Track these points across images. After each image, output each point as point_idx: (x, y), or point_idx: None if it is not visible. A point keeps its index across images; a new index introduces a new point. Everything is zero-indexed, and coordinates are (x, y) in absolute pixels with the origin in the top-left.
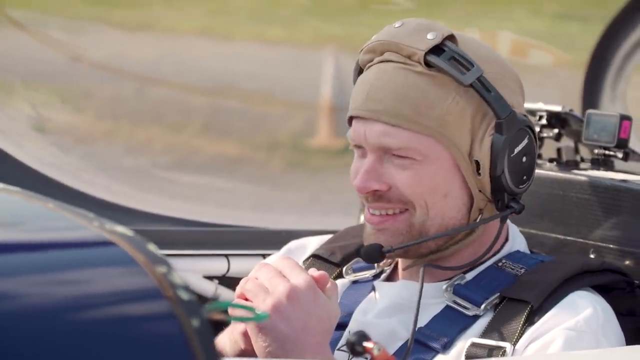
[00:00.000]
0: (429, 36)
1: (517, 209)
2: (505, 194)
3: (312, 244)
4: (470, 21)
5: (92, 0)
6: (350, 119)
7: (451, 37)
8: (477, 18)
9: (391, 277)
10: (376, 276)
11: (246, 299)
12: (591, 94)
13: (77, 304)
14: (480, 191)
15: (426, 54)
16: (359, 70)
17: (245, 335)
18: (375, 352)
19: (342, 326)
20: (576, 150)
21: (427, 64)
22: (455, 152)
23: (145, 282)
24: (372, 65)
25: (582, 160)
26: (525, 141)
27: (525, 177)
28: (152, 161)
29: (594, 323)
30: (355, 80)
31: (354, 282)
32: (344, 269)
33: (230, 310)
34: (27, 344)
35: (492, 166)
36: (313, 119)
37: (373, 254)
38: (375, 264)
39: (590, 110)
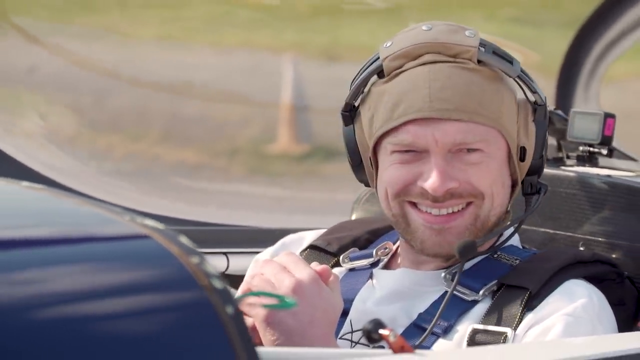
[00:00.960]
0: (468, 34)
1: (546, 188)
2: (536, 176)
3: (308, 236)
4: None
5: (50, 7)
6: (386, 131)
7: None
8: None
9: (389, 266)
10: (373, 265)
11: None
12: (564, 96)
13: (116, 294)
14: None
15: (478, 49)
16: (362, 84)
17: (254, 329)
18: (392, 339)
19: (342, 314)
20: (559, 148)
21: (478, 60)
22: (510, 141)
23: (181, 272)
24: (409, 68)
25: (568, 157)
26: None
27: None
28: (116, 167)
29: (590, 310)
30: (364, 90)
31: (351, 270)
32: (340, 257)
33: (259, 299)
34: (70, 330)
35: (536, 151)
36: (273, 125)
37: (469, 249)
38: (374, 252)
39: (574, 109)
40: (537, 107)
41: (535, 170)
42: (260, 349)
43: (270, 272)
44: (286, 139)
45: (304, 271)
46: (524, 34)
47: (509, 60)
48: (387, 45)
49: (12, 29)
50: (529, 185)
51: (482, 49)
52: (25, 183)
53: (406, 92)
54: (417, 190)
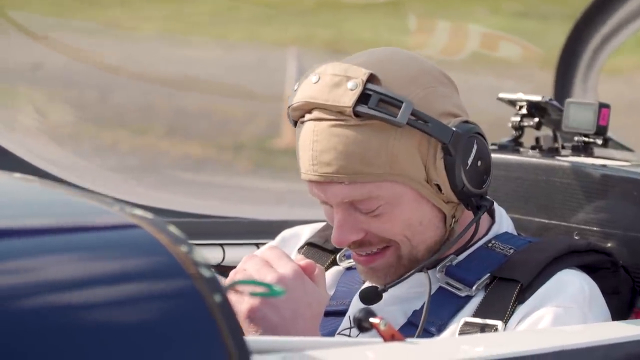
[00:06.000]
0: (350, 86)
1: (487, 206)
2: (472, 198)
3: (306, 232)
4: (430, 19)
5: (52, 2)
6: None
7: (371, 78)
8: (438, 18)
9: None
10: None
11: (236, 291)
12: (562, 86)
13: (105, 283)
14: (447, 202)
15: (354, 107)
16: (295, 123)
17: None
18: (382, 327)
19: (341, 313)
20: (555, 139)
21: (358, 116)
22: (414, 184)
23: (169, 261)
24: (305, 121)
25: (563, 147)
26: (475, 147)
27: (485, 177)
28: (121, 162)
29: (580, 299)
30: (296, 133)
31: (348, 268)
32: (337, 255)
33: (247, 287)
34: (56, 319)
35: (452, 184)
36: (277, 120)
37: (373, 297)
38: None
39: (569, 100)
40: (444, 145)
41: (466, 196)
42: (248, 338)
43: (253, 268)
44: (291, 133)
45: (287, 266)
46: (528, 28)
47: (396, 105)
48: (294, 90)
49: (13, 24)
50: (466, 205)
51: (362, 105)
52: (17, 174)
53: (300, 150)
54: None
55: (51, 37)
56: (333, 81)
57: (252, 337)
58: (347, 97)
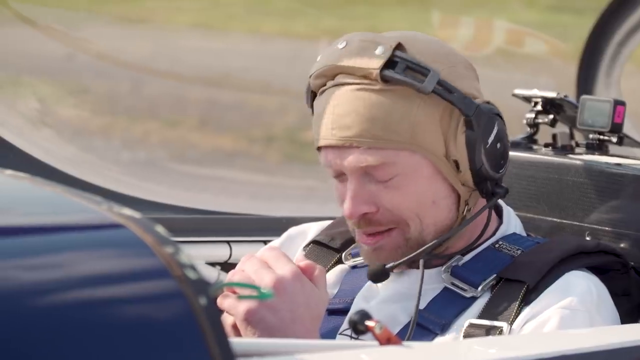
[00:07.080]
0: (378, 51)
1: (502, 193)
2: (488, 182)
3: (312, 229)
4: (465, 12)
5: None
6: (319, 147)
7: (399, 46)
8: (472, 9)
9: None
10: None
11: (234, 292)
12: (585, 81)
13: (87, 284)
14: (463, 184)
15: (381, 70)
16: (313, 95)
17: (235, 327)
18: (377, 331)
19: (344, 311)
20: (571, 136)
21: (385, 80)
22: (433, 158)
23: (154, 263)
24: (326, 89)
25: (577, 145)
26: (496, 128)
27: (502, 162)
28: (150, 155)
29: (588, 301)
30: (310, 105)
31: (354, 267)
32: (343, 254)
33: (235, 290)
34: (39, 320)
35: (471, 162)
36: (309, 113)
37: (380, 275)
38: None
39: (584, 96)
40: (468, 118)
41: (483, 178)
42: (234, 340)
43: (250, 269)
44: None
45: (286, 267)
46: (564, 21)
47: (423, 74)
48: (317, 60)
49: (42, 17)
50: (481, 191)
51: (389, 70)
52: (8, 171)
53: (318, 116)
54: None
55: (82, 29)
56: (361, 46)
57: (237, 340)
58: (374, 61)
